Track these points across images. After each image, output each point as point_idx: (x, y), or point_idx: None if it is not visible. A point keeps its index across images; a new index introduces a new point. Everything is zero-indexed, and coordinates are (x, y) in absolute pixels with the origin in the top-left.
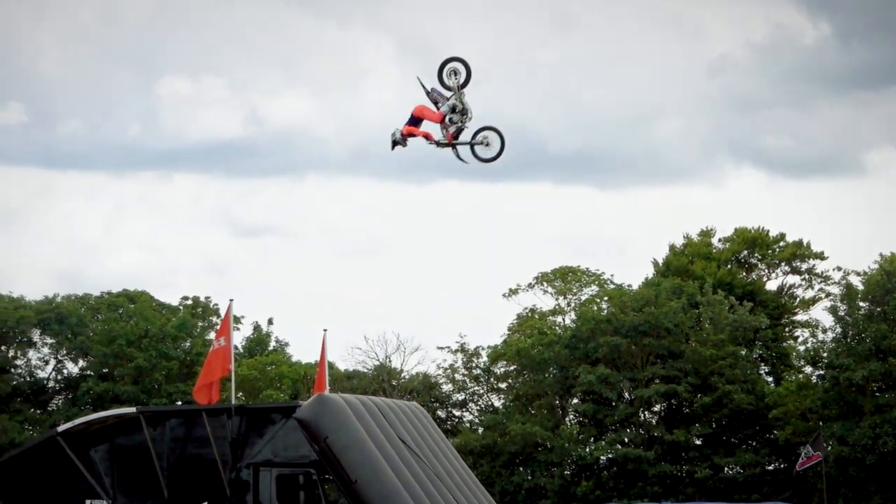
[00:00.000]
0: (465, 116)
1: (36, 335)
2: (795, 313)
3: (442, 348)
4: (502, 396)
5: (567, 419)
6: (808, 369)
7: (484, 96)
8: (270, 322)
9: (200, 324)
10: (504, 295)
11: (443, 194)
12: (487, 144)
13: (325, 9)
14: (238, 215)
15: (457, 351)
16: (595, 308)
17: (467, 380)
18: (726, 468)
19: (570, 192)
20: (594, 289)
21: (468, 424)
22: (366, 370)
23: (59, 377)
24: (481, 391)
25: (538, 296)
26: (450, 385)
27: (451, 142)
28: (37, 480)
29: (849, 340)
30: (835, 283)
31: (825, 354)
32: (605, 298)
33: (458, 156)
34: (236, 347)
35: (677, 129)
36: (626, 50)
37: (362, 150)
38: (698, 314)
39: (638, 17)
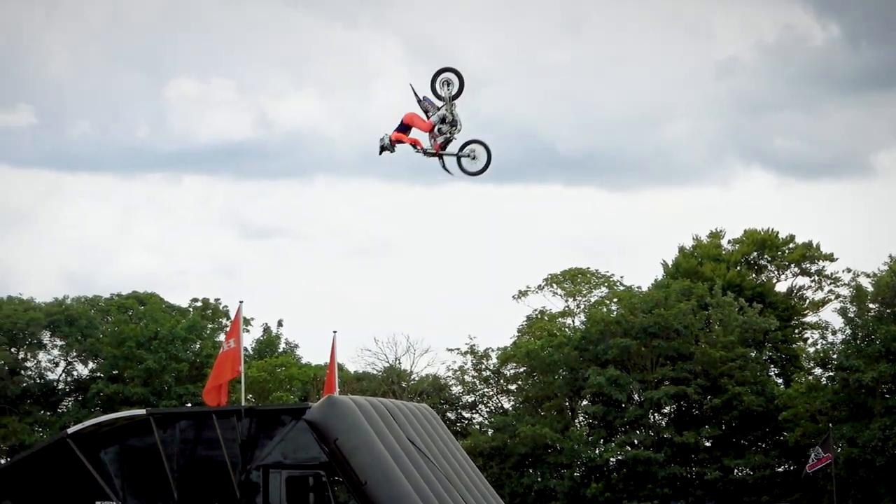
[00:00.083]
0: (454, 128)
1: (46, 337)
2: (805, 315)
3: (451, 350)
4: (512, 398)
5: (577, 421)
6: (818, 371)
7: (493, 98)
8: (280, 324)
9: (210, 326)
10: (513, 297)
11: (452, 196)
12: (474, 158)
13: (332, 10)
14: (247, 217)
15: (466, 353)
16: (604, 310)
17: (477, 381)
18: (736, 470)
19: (580, 194)
20: (604, 290)
21: (478, 426)
22: (375, 372)
23: (69, 379)
24: (491, 393)
25: (547, 297)
26: (459, 387)
27: (439, 152)
28: (47, 482)
29: (858, 342)
30: (844, 284)
31: (835, 356)
32: (615, 300)
33: (444, 166)
34: (246, 349)
35: (687, 131)
36: (636, 51)
37: (371, 151)
38: (708, 316)
39: (647, 19)
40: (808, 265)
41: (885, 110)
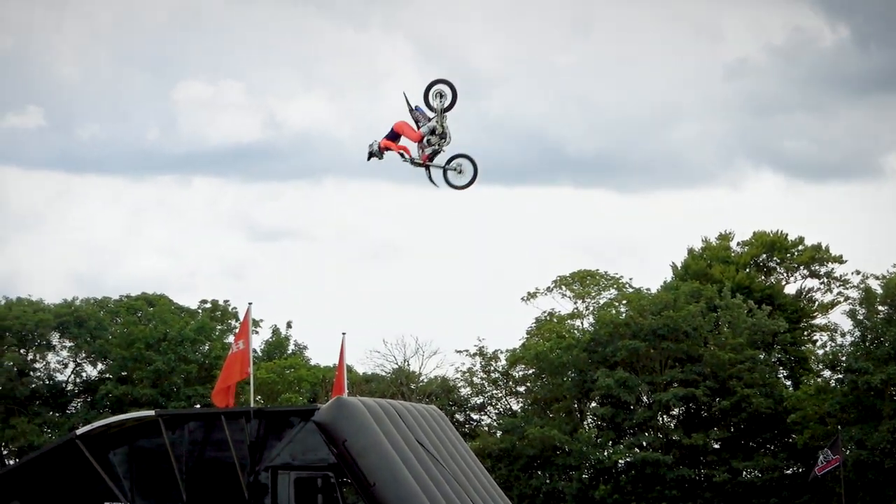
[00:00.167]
0: (443, 140)
1: (55, 338)
2: (814, 317)
3: (460, 352)
4: (520, 400)
5: (585, 423)
6: (827, 373)
7: (503, 99)
8: (289, 325)
9: (219, 327)
10: (522, 298)
11: (461, 198)
12: (460, 172)
13: (342, 12)
14: (256, 219)
15: (475, 354)
16: (613, 312)
17: (485, 383)
18: (744, 472)
19: (589, 196)
20: (613, 292)
21: (486, 428)
22: (384, 374)
23: (77, 380)
24: (499, 395)
25: (557, 299)
26: (468, 388)
27: (426, 163)
28: (56, 483)
29: (867, 344)
30: (853, 286)
31: (844, 358)
32: (624, 302)
33: (429, 177)
34: (255, 351)
35: (696, 133)
36: (645, 53)
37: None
38: (717, 318)
39: (656, 21)
40: (817, 267)
41: (895, 112)
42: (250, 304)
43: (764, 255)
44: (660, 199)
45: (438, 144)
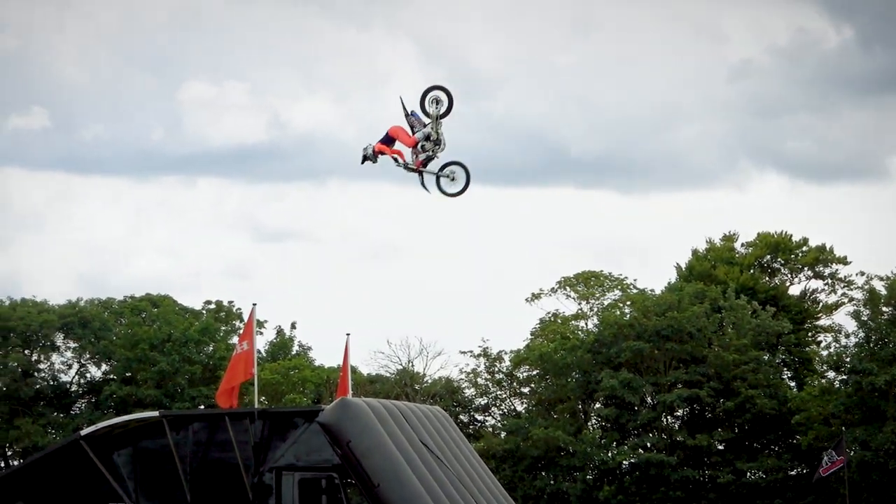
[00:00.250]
0: (437, 146)
1: (59, 339)
2: (818, 318)
3: (464, 353)
4: (525, 401)
5: (589, 424)
6: (831, 374)
7: (505, 100)
8: (293, 326)
9: (223, 328)
10: (527, 299)
11: (464, 198)
12: (453, 179)
13: (345, 13)
14: (260, 220)
15: (479, 355)
16: (617, 313)
17: (490, 384)
18: (749, 473)
19: (592, 197)
20: (617, 293)
21: (490, 429)
22: (388, 374)
23: (82, 381)
24: (504, 395)
25: (561, 300)
26: (472, 389)
27: (419, 169)
28: (60, 484)
29: (872, 345)
30: (858, 287)
31: (848, 359)
32: (628, 303)
33: (422, 183)
34: (259, 351)
35: (700, 134)
36: (648, 54)
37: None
38: (721, 319)
39: (659, 21)
40: (821, 268)
41: None
42: (254, 304)
43: (768, 257)
44: (664, 199)
45: (433, 151)
